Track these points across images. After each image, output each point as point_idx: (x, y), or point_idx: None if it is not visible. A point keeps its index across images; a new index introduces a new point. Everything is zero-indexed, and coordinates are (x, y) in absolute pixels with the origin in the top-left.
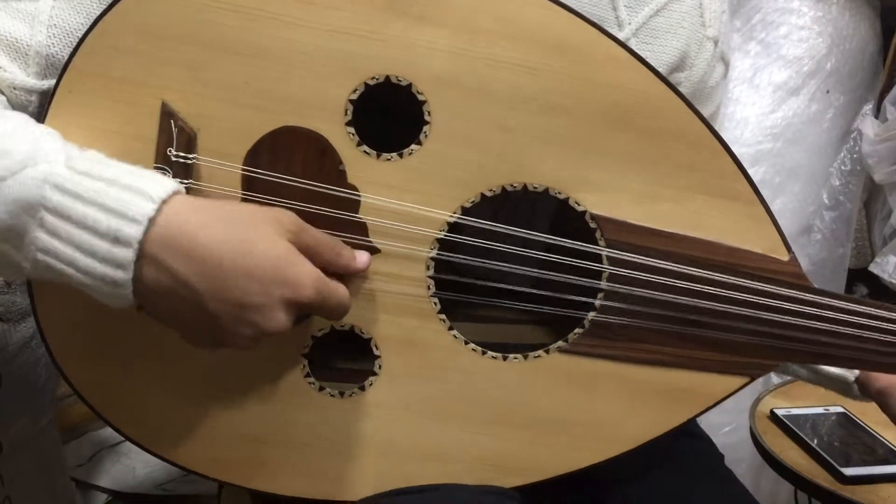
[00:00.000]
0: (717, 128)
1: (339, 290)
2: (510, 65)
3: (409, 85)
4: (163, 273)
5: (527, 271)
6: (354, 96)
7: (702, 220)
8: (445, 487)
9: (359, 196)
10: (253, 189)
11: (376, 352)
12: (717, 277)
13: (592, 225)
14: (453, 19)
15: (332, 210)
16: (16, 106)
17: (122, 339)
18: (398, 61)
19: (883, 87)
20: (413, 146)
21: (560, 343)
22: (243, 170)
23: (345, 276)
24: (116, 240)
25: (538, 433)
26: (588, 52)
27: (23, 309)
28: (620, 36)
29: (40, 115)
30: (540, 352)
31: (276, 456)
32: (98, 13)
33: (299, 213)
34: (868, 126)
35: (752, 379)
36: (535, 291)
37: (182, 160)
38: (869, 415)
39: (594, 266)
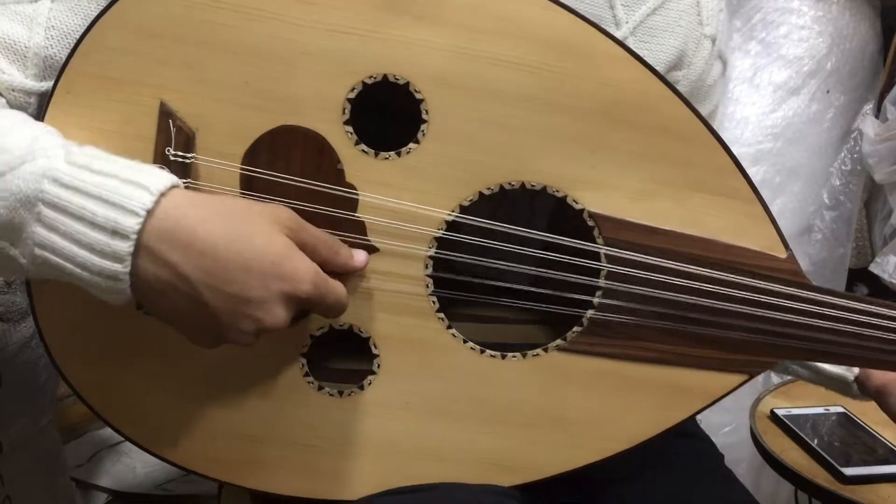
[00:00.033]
0: (715, 126)
1: (336, 287)
2: (508, 63)
3: (407, 83)
4: (161, 267)
5: (525, 269)
6: (352, 95)
7: (700, 217)
8: (444, 486)
9: (357, 195)
10: (251, 188)
11: (375, 351)
12: (715, 275)
13: (590, 223)
14: (451, 18)
15: (330, 209)
16: (15, 108)
17: (121, 338)
18: (396, 60)
19: (883, 87)
20: (411, 145)
21: (559, 341)
22: (242, 169)
23: (343, 274)
24: (114, 232)
25: (537, 431)
26: (586, 51)
27: (23, 309)
28: (618, 35)
29: (39, 117)
30: (538, 350)
31: (275, 455)
32: (96, 14)
33: (298, 211)
34: (868, 126)
35: (751, 377)
36: (533, 290)
37: (180, 159)
38: (869, 415)
39: (592, 264)
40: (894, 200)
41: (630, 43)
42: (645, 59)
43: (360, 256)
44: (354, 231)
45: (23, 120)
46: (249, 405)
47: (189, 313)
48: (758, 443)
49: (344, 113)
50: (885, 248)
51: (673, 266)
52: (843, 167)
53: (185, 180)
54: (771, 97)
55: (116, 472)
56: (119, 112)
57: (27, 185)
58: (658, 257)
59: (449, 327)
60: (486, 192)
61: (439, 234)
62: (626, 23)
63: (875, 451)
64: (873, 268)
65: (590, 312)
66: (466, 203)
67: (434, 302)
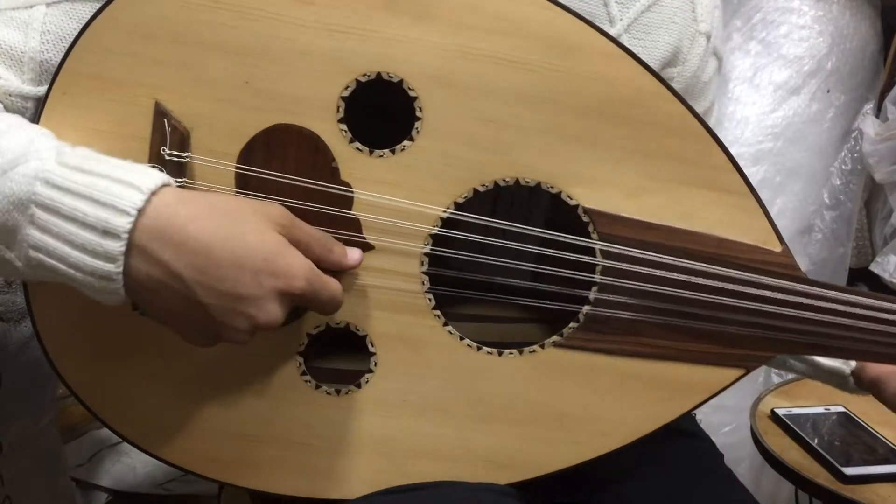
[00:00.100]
0: (715, 126)
1: (331, 283)
2: (501, 60)
3: (401, 81)
4: (153, 265)
5: (521, 266)
6: (346, 93)
7: (694, 212)
8: (442, 485)
9: (352, 192)
10: (247, 187)
11: (372, 349)
12: (710, 269)
13: (585, 219)
14: (444, 16)
15: (325, 207)
16: (12, 112)
17: (118, 339)
18: (389, 58)
19: (883, 87)
20: (405, 142)
21: (555, 337)
22: (237, 168)
23: (338, 272)
24: (105, 232)
25: (535, 428)
26: (579, 48)
27: (23, 309)
28: (612, 32)
29: (36, 120)
30: (535, 346)
31: (273, 455)
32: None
33: (293, 210)
34: (869, 125)
35: (748, 371)
36: (529, 286)
37: (176, 159)
38: (870, 414)
39: (588, 259)
40: (894, 200)
41: (624, 40)
42: (640, 56)
43: (354, 254)
44: (350, 229)
45: (18, 123)
46: (247, 405)
47: (183, 312)
48: (758, 442)
49: (338, 111)
50: (886, 247)
51: (668, 261)
52: (843, 167)
53: (180, 179)
54: (771, 97)
55: (117, 471)
56: (114, 112)
57: (20, 188)
58: (653, 252)
59: (445, 324)
60: (481, 189)
61: (434, 231)
62: (621, 20)
63: (875, 450)
64: (874, 267)
65: (586, 308)
66: (461, 200)
67: (430, 299)
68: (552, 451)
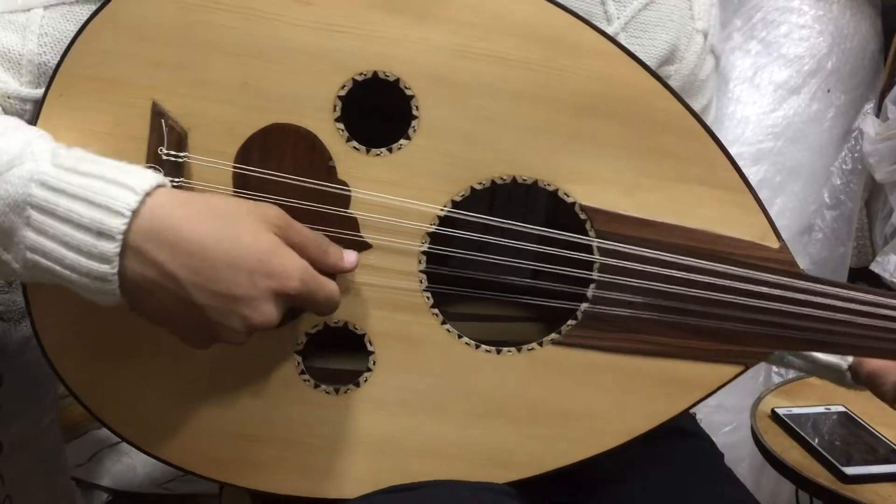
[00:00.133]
0: (713, 123)
1: (327, 284)
2: (498, 58)
3: (397, 80)
4: (148, 266)
5: (519, 264)
6: (343, 92)
7: (691, 209)
8: (442, 484)
9: (349, 191)
10: (244, 186)
11: (370, 347)
12: (707, 266)
13: (582, 216)
14: (440, 15)
15: (322, 206)
16: (10, 115)
17: (117, 339)
18: (385, 57)
19: (884, 86)
20: (402, 141)
21: (553, 335)
22: (234, 167)
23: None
24: (100, 233)
25: (534, 426)
26: (576, 46)
27: (23, 308)
28: (609, 30)
29: (34, 122)
30: (533, 344)
31: (273, 455)
32: None
33: (290, 209)
34: (869, 125)
35: (747, 367)
36: (527, 283)
37: (173, 159)
38: (870, 414)
39: (585, 257)
40: (895, 199)
41: (622, 38)
42: (637, 54)
43: (350, 257)
44: (347, 227)
45: (15, 125)
46: (245, 404)
47: (178, 313)
48: (759, 442)
49: (335, 110)
50: (886, 247)
51: (665, 257)
52: (843, 166)
53: (177, 179)
54: (771, 96)
55: (117, 471)
56: (112, 113)
57: (15, 190)
58: (650, 249)
59: (443, 323)
60: (478, 187)
61: (431, 229)
62: (618, 18)
63: (876, 450)
64: (874, 267)
65: (584, 305)
66: (458, 198)
67: (428, 297)
68: (551, 449)
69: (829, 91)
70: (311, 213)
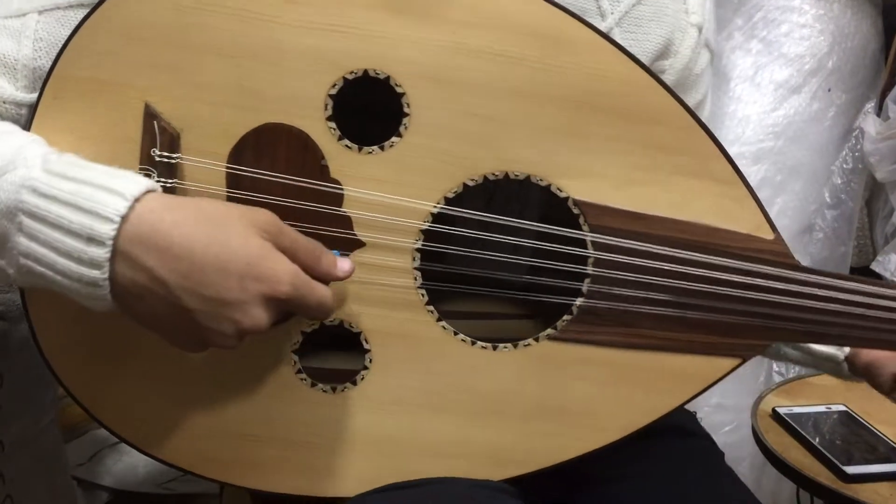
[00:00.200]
0: (709, 118)
1: (319, 289)
2: (488, 54)
3: (388, 78)
4: (137, 271)
5: (514, 259)
6: (334, 91)
7: (685, 202)
8: (441, 481)
9: (342, 190)
10: (237, 187)
11: (366, 346)
12: (702, 258)
13: (576, 211)
14: (430, 12)
15: (315, 204)
16: (7, 120)
17: (115, 339)
18: (376, 55)
19: (885, 85)
20: (394, 139)
21: (549, 330)
22: (227, 168)
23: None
24: (90, 239)
25: (530, 422)
26: (566, 41)
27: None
28: (603, 26)
29: (29, 126)
30: (529, 340)
31: (271, 454)
32: None
33: (283, 208)
34: (870, 124)
35: (744, 360)
36: (522, 279)
37: (166, 160)
38: (871, 413)
39: (580, 251)
40: (895, 199)
41: (616, 33)
42: (631, 49)
43: (343, 265)
44: (340, 226)
45: (8, 130)
46: (243, 404)
47: (168, 317)
48: (759, 441)
49: (326, 109)
50: (887, 246)
51: (659, 251)
52: (844, 166)
53: (171, 180)
54: (772, 96)
55: (118, 470)
56: (106, 115)
57: (7, 196)
58: (644, 243)
59: (439, 320)
60: (471, 184)
61: (425, 226)
62: (612, 14)
63: (877, 449)
64: (875, 266)
65: (579, 300)
66: (451, 195)
67: (423, 295)
68: (549, 445)
69: (829, 90)
70: (304, 211)
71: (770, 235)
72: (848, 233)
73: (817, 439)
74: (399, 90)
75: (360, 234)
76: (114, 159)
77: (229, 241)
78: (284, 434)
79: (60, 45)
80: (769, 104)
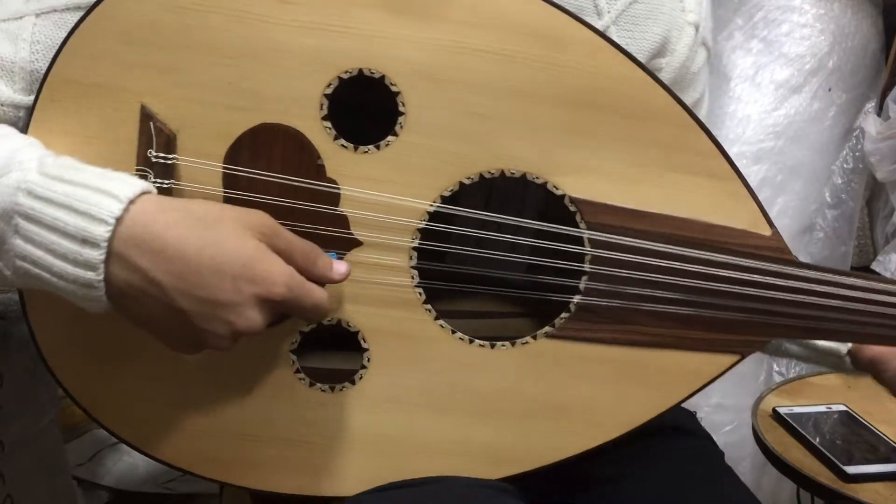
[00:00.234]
0: (707, 117)
1: (314, 291)
2: (482, 53)
3: (382, 77)
4: (131, 273)
5: (511, 257)
6: (329, 91)
7: (681, 198)
8: (440, 480)
9: (338, 189)
10: (234, 187)
11: (364, 345)
12: (699, 255)
13: (572, 208)
14: (425, 11)
15: (312, 204)
16: (4, 122)
17: (113, 340)
18: (370, 54)
19: (885, 85)
20: (389, 138)
21: (547, 328)
22: (224, 168)
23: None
24: (85, 241)
25: (529, 420)
26: (561, 39)
27: None
28: (600, 24)
29: (27, 128)
30: (527, 338)
31: (270, 454)
32: None
33: (280, 208)
34: (870, 124)
35: (743, 356)
36: (519, 277)
37: (162, 161)
38: (871, 413)
39: (576, 249)
40: None
41: (612, 32)
42: (628, 47)
43: (340, 268)
44: (337, 225)
45: (5, 134)
46: (242, 404)
47: (163, 319)
48: (760, 441)
49: (322, 109)
50: (887, 246)
51: (656, 248)
52: (844, 165)
53: (168, 181)
54: (772, 95)
55: (118, 470)
56: (102, 117)
57: (3, 199)
58: (641, 240)
59: (437, 318)
60: (467, 182)
61: (421, 225)
62: (608, 12)
63: (877, 449)
64: (875, 266)
65: (577, 298)
66: (447, 193)
67: (420, 293)
68: (549, 443)
69: (830, 90)
70: (301, 211)
71: (767, 231)
72: (848, 232)
73: (818, 439)
74: (394, 89)
75: (357, 233)
76: (111, 161)
77: (224, 243)
78: (284, 434)
79: (57, 47)
80: (770, 104)
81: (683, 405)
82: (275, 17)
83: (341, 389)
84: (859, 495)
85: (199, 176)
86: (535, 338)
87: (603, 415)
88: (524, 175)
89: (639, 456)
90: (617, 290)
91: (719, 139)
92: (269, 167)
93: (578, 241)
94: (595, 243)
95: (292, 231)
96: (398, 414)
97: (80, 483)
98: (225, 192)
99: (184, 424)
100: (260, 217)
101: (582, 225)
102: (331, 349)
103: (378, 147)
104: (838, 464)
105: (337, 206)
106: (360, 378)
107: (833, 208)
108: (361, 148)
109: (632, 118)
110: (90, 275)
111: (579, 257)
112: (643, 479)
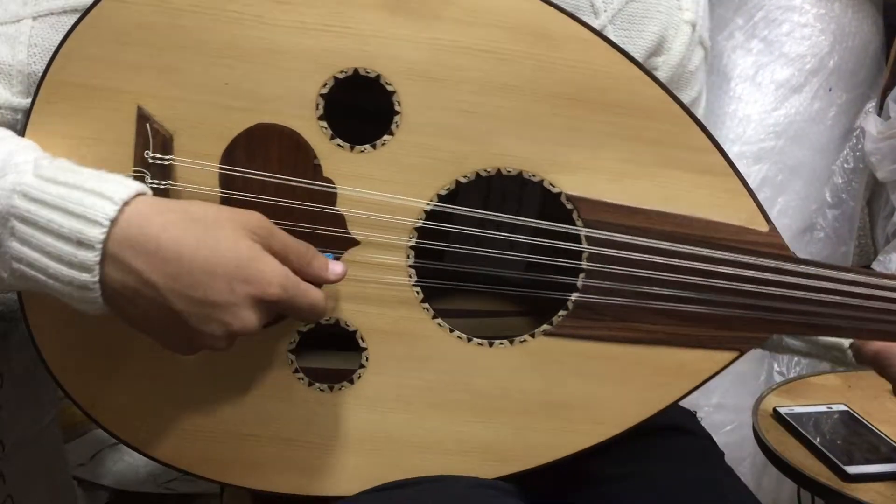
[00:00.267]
0: (705, 116)
1: (310, 291)
2: (477, 51)
3: (378, 76)
4: (127, 274)
5: (508, 255)
6: (325, 90)
7: (678, 195)
8: (440, 479)
9: (335, 189)
10: (231, 187)
11: (362, 344)
12: (696, 251)
13: (569, 206)
14: (420, 10)
15: (309, 204)
16: (2, 125)
17: (112, 341)
18: (366, 54)
19: (886, 85)
20: (385, 137)
21: (545, 326)
22: (220, 168)
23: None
24: (79, 242)
25: (528, 418)
26: (556, 36)
27: None
28: (597, 23)
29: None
30: (525, 336)
31: (270, 454)
32: None
33: (277, 208)
34: (871, 124)
35: (742, 353)
36: (517, 275)
37: (159, 161)
38: (872, 413)
39: (574, 247)
40: None
41: (609, 31)
42: (624, 46)
43: (336, 269)
44: (334, 225)
45: (2, 136)
46: (241, 404)
47: (159, 320)
48: (760, 441)
49: (318, 109)
50: (888, 246)
51: (654, 245)
52: (845, 165)
53: (164, 182)
54: (773, 95)
55: (118, 470)
56: (99, 119)
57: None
58: (638, 237)
59: (435, 317)
60: (463, 181)
61: (418, 223)
62: (605, 11)
63: (878, 449)
64: (876, 266)
65: (574, 295)
66: (444, 192)
67: (418, 292)
68: (547, 441)
69: (830, 90)
70: (298, 211)
71: (765, 227)
72: (849, 232)
73: (818, 439)
74: (390, 88)
75: (354, 232)
76: (108, 162)
77: (218, 244)
78: (283, 433)
79: (54, 50)
80: (770, 104)
81: (683, 405)
82: (271, 18)
83: (340, 389)
84: (860, 495)
85: (195, 176)
86: (533, 336)
87: (602, 412)
88: (520, 173)
89: (638, 456)
90: (615, 287)
91: (720, 139)
92: (266, 167)
93: (576, 238)
94: (592, 241)
95: (289, 231)
96: (397, 413)
97: (80, 483)
98: (222, 193)
99: (183, 425)
100: (255, 218)
101: (579, 222)
102: (329, 349)
103: (374, 146)
104: (839, 464)
105: (334, 206)
106: (359, 377)
107: (833, 208)
108: (358, 147)
109: (628, 115)
110: (85, 276)
111: (577, 255)
112: (643, 479)
